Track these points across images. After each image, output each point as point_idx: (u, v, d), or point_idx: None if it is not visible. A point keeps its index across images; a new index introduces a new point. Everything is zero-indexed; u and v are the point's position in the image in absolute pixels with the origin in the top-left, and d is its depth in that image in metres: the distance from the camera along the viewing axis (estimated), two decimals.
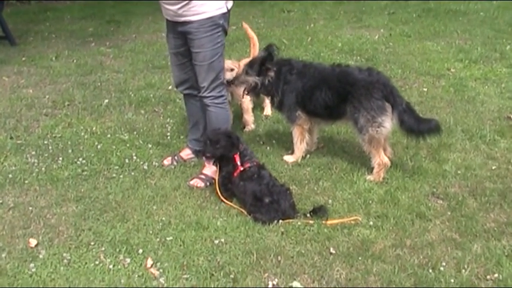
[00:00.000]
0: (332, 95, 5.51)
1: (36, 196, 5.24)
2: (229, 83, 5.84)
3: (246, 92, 5.88)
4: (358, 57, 9.01)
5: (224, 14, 5.15)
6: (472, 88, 7.69)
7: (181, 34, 5.24)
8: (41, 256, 4.35)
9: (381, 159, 5.40)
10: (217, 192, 5.07)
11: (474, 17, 11.89)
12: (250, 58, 6.35)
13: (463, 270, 4.12)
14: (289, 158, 5.82)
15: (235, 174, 5.03)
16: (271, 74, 5.67)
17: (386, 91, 5.38)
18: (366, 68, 5.62)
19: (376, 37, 10.25)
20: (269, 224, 4.66)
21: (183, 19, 5.13)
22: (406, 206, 4.92)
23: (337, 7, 12.88)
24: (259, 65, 5.67)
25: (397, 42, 9.92)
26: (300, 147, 5.79)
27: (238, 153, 5.07)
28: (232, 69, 6.20)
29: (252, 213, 4.81)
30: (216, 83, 5.30)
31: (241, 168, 5.03)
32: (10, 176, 5.56)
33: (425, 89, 7.58)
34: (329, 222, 4.68)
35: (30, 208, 5.04)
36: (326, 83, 5.56)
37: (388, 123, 5.39)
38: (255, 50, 6.75)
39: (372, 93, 5.34)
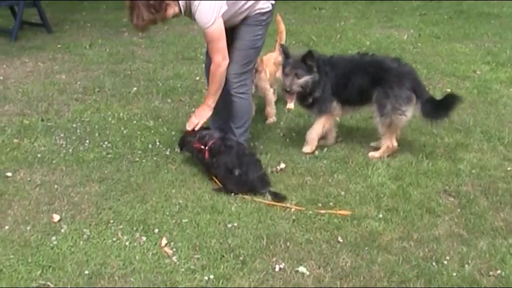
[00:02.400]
0: (367, 79, 5.72)
1: (62, 175, 5.46)
2: (287, 92, 5.79)
3: (296, 96, 5.84)
4: None
5: (269, 11, 5.40)
6: (496, 91, 7.72)
7: None
8: (62, 231, 4.56)
9: (391, 142, 5.73)
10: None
11: (507, 20, 11.87)
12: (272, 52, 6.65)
13: (467, 265, 4.19)
14: (304, 149, 5.92)
15: (205, 156, 5.31)
16: (315, 70, 5.66)
17: (415, 83, 5.70)
18: (393, 58, 5.99)
19: (405, 37, 10.30)
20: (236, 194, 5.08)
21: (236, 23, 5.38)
22: (417, 201, 5.02)
23: (369, 6, 12.93)
24: (305, 63, 5.61)
25: (425, 43, 9.96)
26: (318, 136, 5.89)
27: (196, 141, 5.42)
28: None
29: (225, 185, 5.11)
30: (245, 74, 5.48)
31: (206, 148, 5.30)
32: (39, 155, 5.79)
33: (448, 90, 7.57)
34: (319, 210, 4.86)
35: (56, 186, 5.25)
36: (361, 68, 5.77)
37: (410, 113, 5.71)
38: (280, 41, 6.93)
39: (404, 82, 5.65)
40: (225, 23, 5.22)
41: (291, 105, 7.08)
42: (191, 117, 5.50)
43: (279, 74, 6.10)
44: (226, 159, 5.19)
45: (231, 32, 5.41)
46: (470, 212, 4.90)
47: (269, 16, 5.44)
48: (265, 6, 5.36)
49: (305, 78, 5.60)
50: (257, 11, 5.33)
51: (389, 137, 5.71)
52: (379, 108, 5.70)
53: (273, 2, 5.44)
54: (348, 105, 5.95)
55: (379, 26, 11.29)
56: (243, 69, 5.45)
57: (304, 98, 5.80)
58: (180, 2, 5.13)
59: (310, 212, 4.82)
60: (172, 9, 5.17)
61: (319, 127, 5.85)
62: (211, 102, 5.42)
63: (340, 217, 4.75)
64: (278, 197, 5.04)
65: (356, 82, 5.74)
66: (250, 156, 5.34)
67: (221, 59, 5.22)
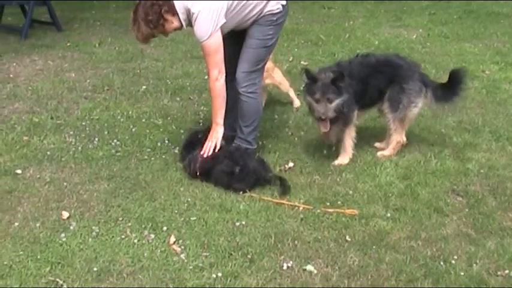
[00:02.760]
0: (383, 79, 5.71)
1: (71, 173, 5.49)
2: (320, 120, 5.50)
3: (329, 118, 5.44)
4: None
5: (280, 12, 5.39)
6: (505, 90, 7.71)
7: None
8: (71, 228, 4.60)
9: (401, 137, 5.77)
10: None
11: None
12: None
13: (474, 265, 4.20)
14: (343, 160, 5.74)
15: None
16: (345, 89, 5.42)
17: (422, 74, 5.86)
18: (395, 54, 6.19)
19: (414, 37, 10.30)
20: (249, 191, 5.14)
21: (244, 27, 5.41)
22: (425, 201, 5.03)
23: (378, 6, 12.92)
24: (335, 85, 5.34)
25: (434, 42, 9.95)
26: (352, 145, 5.76)
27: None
28: None
29: (234, 188, 5.13)
30: (254, 73, 5.48)
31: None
32: (48, 153, 5.83)
33: None
34: (327, 209, 4.88)
35: (65, 184, 5.28)
36: (376, 70, 5.71)
37: (421, 104, 5.81)
38: None
39: (415, 75, 5.75)
40: (235, 28, 5.29)
41: (297, 103, 7.08)
42: (206, 144, 5.45)
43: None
44: (222, 167, 5.23)
45: (243, 30, 5.44)
46: (479, 211, 4.90)
47: (281, 16, 5.43)
48: (275, 7, 5.36)
49: (337, 102, 5.37)
50: (268, 13, 5.34)
51: (400, 132, 5.74)
52: (393, 105, 5.71)
53: (284, 2, 5.43)
54: (363, 110, 5.91)
55: (388, 26, 11.29)
56: (253, 68, 5.45)
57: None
58: (180, 16, 5.16)
59: (318, 210, 4.84)
60: (171, 24, 5.24)
61: (350, 138, 5.72)
62: (219, 119, 5.44)
63: (348, 216, 4.76)
64: (283, 183, 5.15)
65: (374, 85, 5.70)
66: (239, 150, 5.43)
67: (217, 73, 5.25)
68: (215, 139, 5.42)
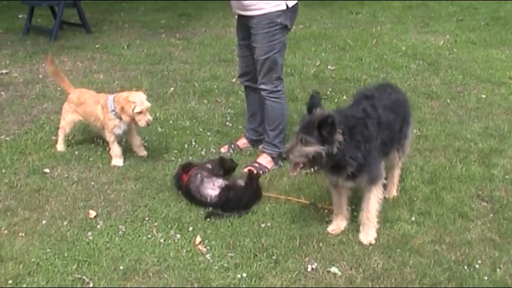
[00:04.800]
0: (401, 118, 4.88)
1: (99, 173, 5.57)
2: (282, 157, 5.23)
3: (301, 166, 4.33)
4: (421, 61, 9.04)
5: (284, 11, 5.27)
6: None
7: (245, 27, 5.48)
8: (98, 226, 4.68)
9: None
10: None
11: None
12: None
13: (498, 270, 4.21)
14: (369, 235, 4.57)
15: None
16: (340, 137, 4.20)
17: None
18: (390, 85, 5.29)
19: (441, 43, 10.26)
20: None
21: (243, 13, 5.40)
22: (450, 206, 5.03)
23: (406, 12, 12.87)
24: (318, 130, 4.15)
25: (461, 48, 9.91)
26: (378, 211, 4.64)
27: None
28: None
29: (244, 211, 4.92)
30: (272, 77, 5.49)
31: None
32: (76, 153, 5.92)
33: (483, 96, 7.60)
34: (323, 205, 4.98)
35: (92, 183, 5.37)
36: (394, 112, 4.74)
37: None
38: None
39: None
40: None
41: None
42: None
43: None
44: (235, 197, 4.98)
45: (249, 43, 5.50)
46: (503, 217, 4.90)
47: (284, 19, 5.35)
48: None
49: (313, 149, 4.19)
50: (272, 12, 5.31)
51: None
52: (405, 139, 5.09)
53: (289, 2, 5.33)
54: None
55: (416, 32, 11.24)
56: (270, 75, 5.49)
57: (342, 167, 4.40)
58: None
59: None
60: None
61: (376, 201, 4.59)
62: None
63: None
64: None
65: (398, 127, 4.84)
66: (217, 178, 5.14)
67: None
68: None
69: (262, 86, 5.53)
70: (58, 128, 6.12)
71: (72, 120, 6.01)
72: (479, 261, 4.30)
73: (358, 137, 4.30)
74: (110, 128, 5.68)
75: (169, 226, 4.68)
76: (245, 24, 5.45)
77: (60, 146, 5.97)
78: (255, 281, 4.06)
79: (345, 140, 4.20)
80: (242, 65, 5.83)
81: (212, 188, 4.98)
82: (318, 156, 4.19)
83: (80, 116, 5.98)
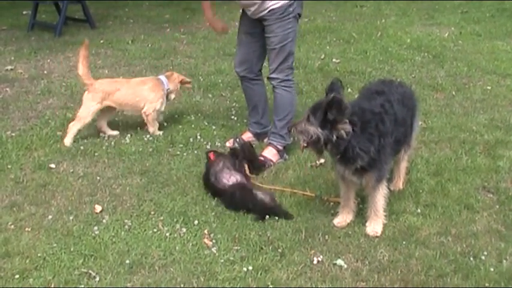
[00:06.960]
0: (411, 112, 4.88)
1: (104, 168, 5.58)
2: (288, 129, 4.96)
3: (304, 145, 4.37)
4: (426, 54, 9.03)
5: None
6: None
7: (254, 19, 5.53)
8: (104, 221, 4.69)
9: None
10: None
11: None
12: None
13: (504, 261, 4.21)
14: (376, 227, 4.59)
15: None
16: (347, 127, 4.18)
17: None
18: (397, 80, 5.25)
19: (446, 35, 10.23)
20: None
21: (260, 15, 5.43)
22: (456, 197, 5.02)
23: (410, 4, 12.82)
24: (324, 112, 4.14)
25: (466, 40, 9.88)
26: (384, 206, 4.66)
27: None
28: None
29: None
30: (284, 66, 5.54)
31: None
32: (82, 148, 5.92)
33: (489, 87, 7.59)
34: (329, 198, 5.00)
35: (98, 178, 5.38)
36: (406, 106, 4.74)
37: None
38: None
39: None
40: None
41: None
42: None
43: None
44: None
45: (259, 28, 5.54)
46: (509, 208, 4.90)
47: (295, 7, 5.44)
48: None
49: (313, 130, 4.23)
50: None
51: None
52: (412, 131, 5.08)
53: None
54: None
55: (420, 24, 11.21)
56: (284, 64, 5.52)
57: (351, 160, 4.38)
58: None
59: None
60: None
61: (383, 198, 4.62)
62: None
63: None
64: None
65: (410, 122, 4.85)
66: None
67: None
68: None
69: (274, 75, 5.56)
70: (71, 120, 6.15)
71: (98, 109, 6.08)
72: (485, 253, 4.29)
73: (371, 131, 4.28)
74: (158, 106, 6.21)
75: (175, 220, 4.68)
76: (256, 17, 5.49)
77: (69, 140, 5.97)
78: (260, 274, 4.06)
79: (354, 131, 4.19)
80: (242, 51, 5.84)
81: (227, 179, 5.00)
82: (316, 139, 4.23)
83: (112, 103, 6.12)
